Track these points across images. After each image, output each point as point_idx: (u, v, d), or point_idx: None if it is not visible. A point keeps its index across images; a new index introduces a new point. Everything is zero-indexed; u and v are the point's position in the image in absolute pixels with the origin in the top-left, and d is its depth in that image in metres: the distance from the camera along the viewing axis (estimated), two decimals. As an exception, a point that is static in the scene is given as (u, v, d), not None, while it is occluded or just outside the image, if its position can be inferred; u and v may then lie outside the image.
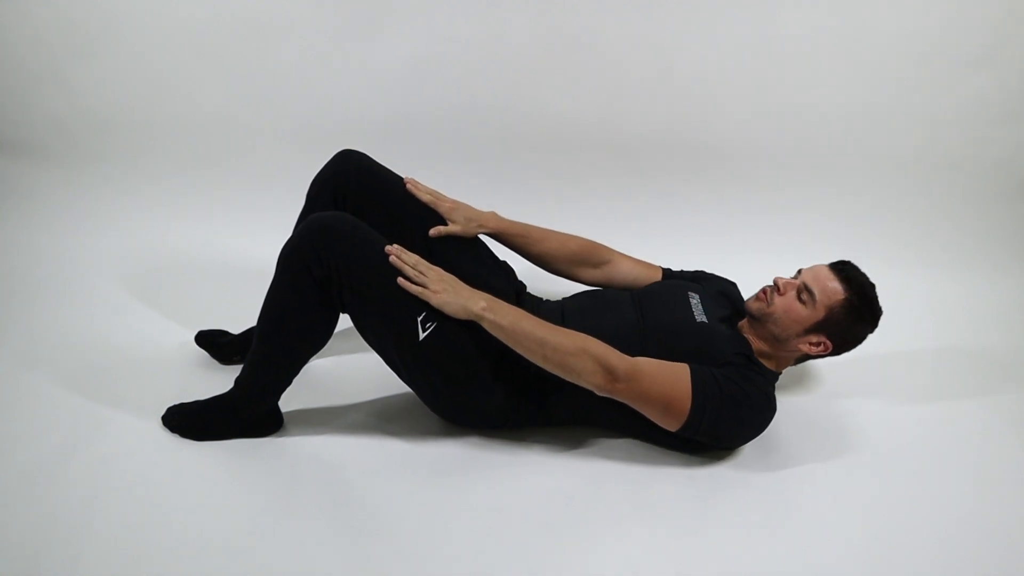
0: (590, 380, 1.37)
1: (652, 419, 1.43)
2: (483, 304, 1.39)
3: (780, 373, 1.58)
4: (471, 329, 1.42)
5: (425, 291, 1.38)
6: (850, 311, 1.49)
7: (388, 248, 1.40)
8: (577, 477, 1.48)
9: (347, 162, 1.60)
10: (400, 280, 1.37)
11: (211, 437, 1.49)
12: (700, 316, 1.54)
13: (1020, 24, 2.12)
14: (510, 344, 1.39)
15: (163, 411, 1.53)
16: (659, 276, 1.77)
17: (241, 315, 1.74)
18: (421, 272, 1.40)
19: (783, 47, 2.18)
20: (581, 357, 1.36)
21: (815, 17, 2.14)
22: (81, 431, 1.49)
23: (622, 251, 1.81)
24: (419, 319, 1.38)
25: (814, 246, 2.07)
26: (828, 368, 1.89)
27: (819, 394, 1.81)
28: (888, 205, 2.37)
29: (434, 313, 1.39)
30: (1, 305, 1.93)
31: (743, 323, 1.60)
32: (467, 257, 1.63)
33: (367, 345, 1.48)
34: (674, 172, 2.35)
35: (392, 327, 1.39)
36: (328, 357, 1.78)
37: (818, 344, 1.51)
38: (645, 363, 1.41)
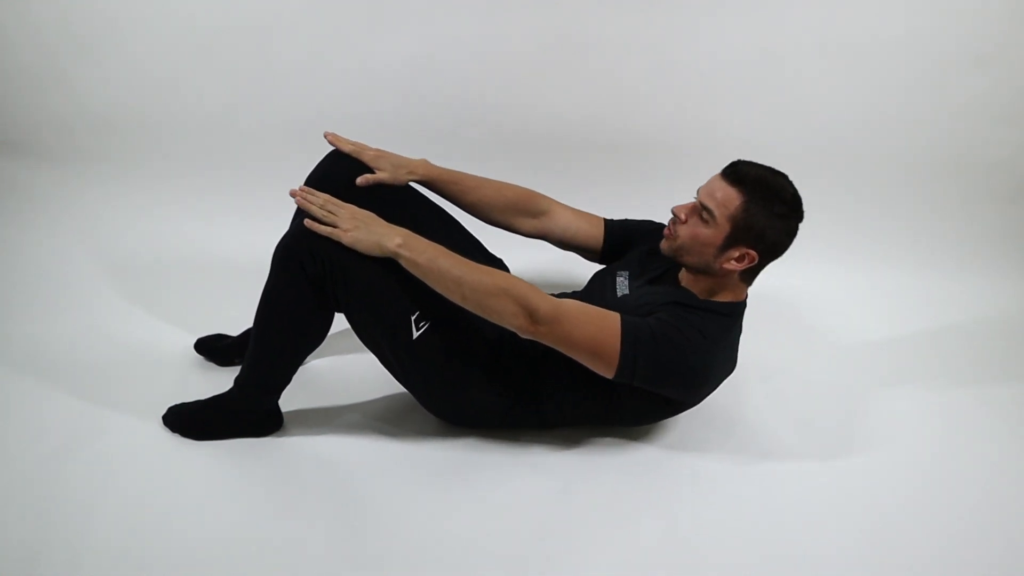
0: (511, 322, 1.31)
1: (585, 364, 1.36)
2: (399, 240, 1.32)
3: (743, 300, 1.49)
4: (465, 328, 1.41)
5: (335, 230, 1.31)
6: (755, 211, 1.35)
7: (292, 190, 1.35)
8: (575, 477, 1.48)
9: (338, 162, 1.59)
10: (306, 221, 1.32)
11: (211, 437, 1.49)
12: (622, 290, 1.50)
13: (1020, 24, 2.12)
14: (428, 283, 1.33)
15: (163, 411, 1.53)
16: (600, 227, 1.70)
17: (240, 315, 1.73)
18: (330, 211, 1.34)
19: (783, 47, 2.18)
20: (501, 298, 1.30)
21: (815, 18, 2.14)
22: (81, 431, 1.50)
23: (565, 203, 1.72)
24: (412, 318, 1.38)
25: (814, 246, 2.07)
26: (829, 368, 1.89)
27: (819, 394, 1.81)
28: (887, 205, 2.37)
29: (428, 312, 1.39)
30: (1, 305, 1.93)
31: (681, 273, 1.51)
32: (455, 250, 1.59)
33: (365, 346, 1.48)
34: (674, 172, 2.34)
35: (385, 326, 1.39)
36: (327, 357, 1.79)
37: (741, 257, 1.39)
38: (570, 305, 1.35)
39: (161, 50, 2.23)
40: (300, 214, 1.61)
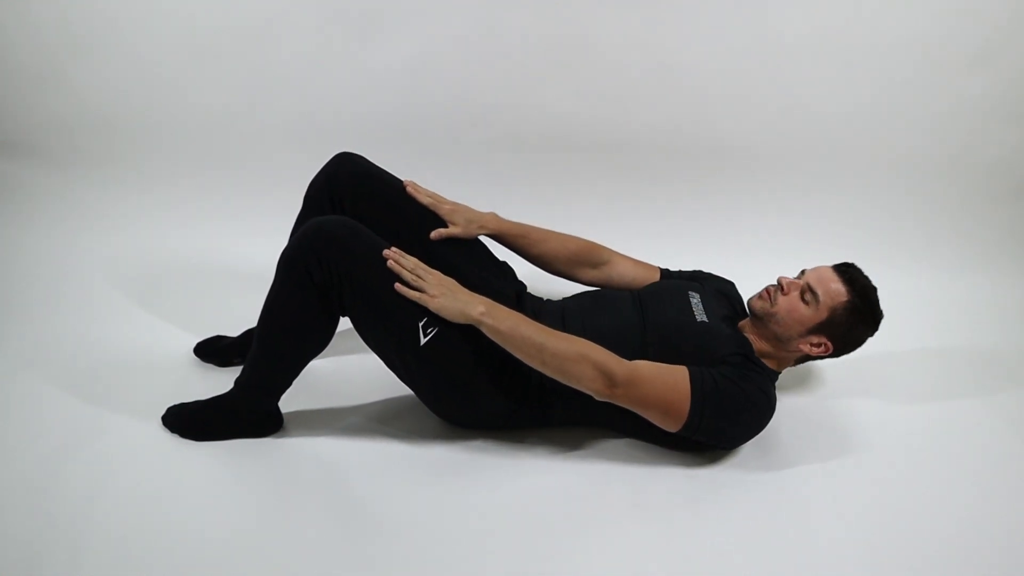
0: (589, 386, 1.37)
1: (652, 421, 1.43)
2: (482, 309, 1.38)
3: (780, 372, 1.58)
4: (472, 334, 1.42)
5: (423, 296, 1.37)
6: (852, 313, 1.49)
7: (386, 252, 1.40)
8: (577, 477, 1.48)
9: (344, 165, 1.60)
10: (397, 285, 1.36)
11: (211, 437, 1.49)
12: (701, 315, 1.54)
13: (1020, 24, 2.12)
14: (509, 349, 1.38)
15: (163, 411, 1.53)
16: (657, 276, 1.77)
17: (240, 316, 1.74)
18: (419, 276, 1.39)
19: (783, 47, 2.18)
20: (580, 363, 1.36)
21: (815, 18, 2.14)
22: (81, 432, 1.49)
23: (622, 251, 1.81)
24: (420, 324, 1.38)
25: (814, 246, 2.08)
26: (828, 368, 1.89)
27: (819, 394, 1.81)
28: (888, 205, 2.37)
29: (435, 318, 1.39)
30: (1, 306, 1.93)
31: (744, 323, 1.60)
32: (466, 258, 1.63)
33: (371, 351, 1.48)
34: (674, 172, 2.35)
35: (393, 332, 1.39)
36: (329, 358, 1.78)
37: (819, 345, 1.51)
38: (644, 367, 1.41)
39: (161, 51, 2.23)
40: (303, 219, 1.61)
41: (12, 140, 2.37)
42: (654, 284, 1.71)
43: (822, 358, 1.55)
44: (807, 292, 1.50)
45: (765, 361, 1.53)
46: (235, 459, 1.46)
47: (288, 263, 1.36)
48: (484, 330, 1.38)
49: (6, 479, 1.37)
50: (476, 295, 1.42)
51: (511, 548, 1.31)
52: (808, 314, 1.49)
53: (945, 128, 2.27)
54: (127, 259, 2.18)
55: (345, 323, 1.47)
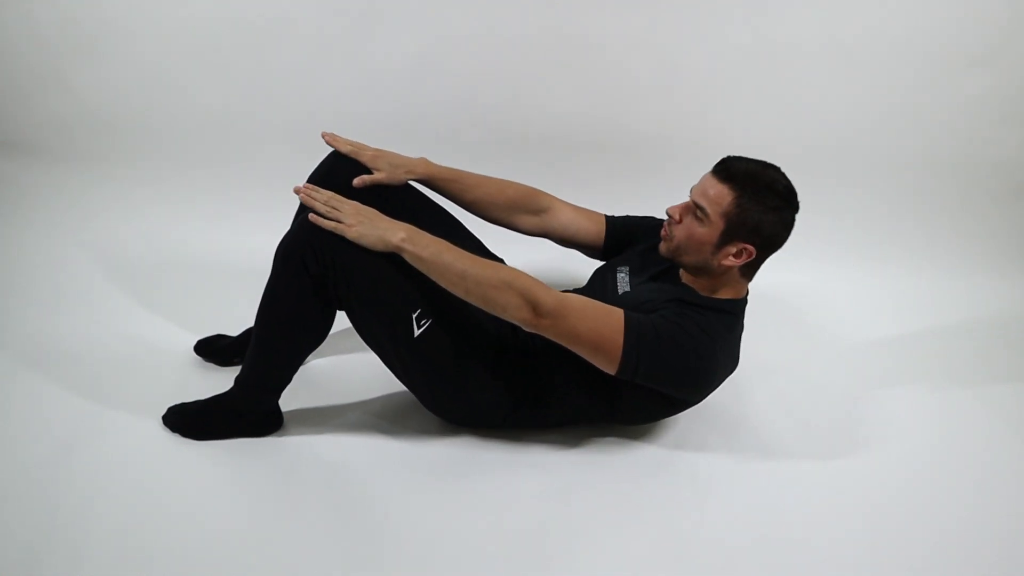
0: (515, 315, 1.31)
1: (587, 359, 1.37)
2: (402, 235, 1.32)
3: (743, 296, 1.49)
4: (467, 327, 1.41)
5: (340, 225, 1.31)
6: (748, 208, 1.36)
7: (296, 187, 1.35)
8: (575, 477, 1.48)
9: (341, 160, 1.59)
10: (310, 216, 1.32)
11: (211, 437, 1.49)
12: (624, 287, 1.51)
13: (1020, 24, 2.12)
14: (433, 277, 1.33)
15: (163, 411, 1.53)
16: (601, 224, 1.70)
17: (240, 315, 1.73)
18: (334, 207, 1.34)
19: (783, 47, 2.18)
20: (505, 291, 1.30)
21: (815, 18, 2.14)
22: (81, 431, 1.49)
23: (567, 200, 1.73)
24: (414, 316, 1.38)
25: (814, 246, 2.07)
26: (828, 368, 1.89)
27: (818, 393, 1.81)
28: (888, 205, 2.37)
29: (430, 310, 1.38)
30: (1, 305, 1.93)
31: (682, 269, 1.51)
32: (443, 235, 1.53)
33: (366, 344, 1.48)
34: (674, 172, 2.33)
35: (387, 324, 1.39)
36: (328, 356, 1.79)
37: (739, 253, 1.39)
38: (574, 299, 1.35)
39: (161, 50, 2.23)
40: (302, 213, 1.61)
41: (12, 140, 2.37)
42: (593, 275, 1.66)
43: (758, 262, 1.43)
44: (696, 210, 1.40)
45: (719, 294, 1.45)
46: (235, 459, 1.46)
47: (284, 254, 1.35)
48: (406, 257, 1.32)
49: (6, 478, 1.37)
50: (397, 221, 1.35)
51: (511, 548, 1.31)
52: (706, 231, 1.39)
53: (945, 128, 2.27)
54: (127, 258, 2.18)
55: (345, 322, 1.47)
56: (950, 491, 1.51)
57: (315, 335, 1.44)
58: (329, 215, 1.33)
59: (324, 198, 1.36)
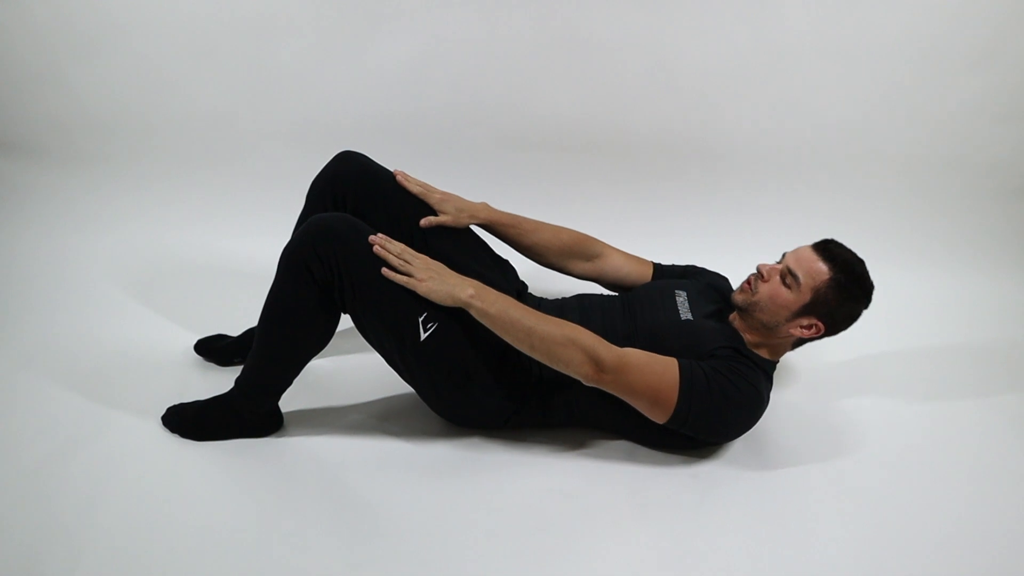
0: (578, 370, 1.36)
1: (640, 410, 1.42)
2: (471, 291, 1.37)
3: (777, 361, 1.56)
4: (472, 330, 1.42)
5: (411, 280, 1.36)
6: (837, 290, 1.43)
7: (372, 238, 1.38)
8: (577, 477, 1.48)
9: (347, 163, 1.60)
10: (384, 270, 1.35)
11: (211, 437, 1.49)
12: (685, 314, 1.53)
13: (1020, 24, 2.13)
14: (498, 332, 1.37)
15: (163, 411, 1.53)
16: (650, 270, 1.77)
17: (241, 316, 1.74)
18: (406, 261, 1.38)
19: (782, 47, 2.18)
20: (569, 347, 1.35)
21: (814, 17, 2.14)
22: (81, 431, 1.49)
23: (617, 247, 1.80)
24: (420, 320, 1.38)
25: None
26: (827, 367, 1.89)
27: (818, 393, 1.81)
28: (888, 205, 2.37)
29: (436, 313, 1.39)
30: (1, 305, 1.93)
31: (733, 316, 1.57)
32: (466, 255, 1.62)
33: (368, 345, 1.48)
34: (673, 172, 2.35)
35: (393, 328, 1.39)
36: (329, 357, 1.78)
37: (809, 327, 1.46)
38: (633, 354, 1.40)
39: (161, 51, 2.24)
40: (305, 217, 1.61)
41: (11, 140, 2.37)
42: (643, 286, 1.70)
43: (817, 339, 1.50)
44: (788, 276, 1.46)
45: (759, 351, 1.51)
46: (235, 459, 1.46)
47: (289, 259, 1.36)
48: (473, 312, 1.37)
49: (7, 478, 1.37)
50: (465, 278, 1.40)
51: (511, 548, 1.31)
52: (791, 298, 1.45)
53: (945, 128, 2.27)
54: (128, 258, 2.18)
55: (346, 322, 1.47)
56: (950, 491, 1.50)
57: (319, 340, 1.44)
58: (401, 268, 1.37)
59: (397, 251, 1.39)
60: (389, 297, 1.37)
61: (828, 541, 1.37)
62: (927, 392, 1.84)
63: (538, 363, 1.49)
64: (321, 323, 1.41)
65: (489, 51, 2.22)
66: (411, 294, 1.37)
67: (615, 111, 2.28)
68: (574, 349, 1.35)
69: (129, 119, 2.32)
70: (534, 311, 1.39)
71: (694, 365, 1.41)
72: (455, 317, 1.41)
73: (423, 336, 1.39)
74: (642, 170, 2.35)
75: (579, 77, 2.24)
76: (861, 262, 1.48)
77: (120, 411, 1.55)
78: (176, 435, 1.50)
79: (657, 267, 1.78)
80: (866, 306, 1.48)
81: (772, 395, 1.77)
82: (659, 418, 1.41)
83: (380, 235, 1.40)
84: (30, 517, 1.29)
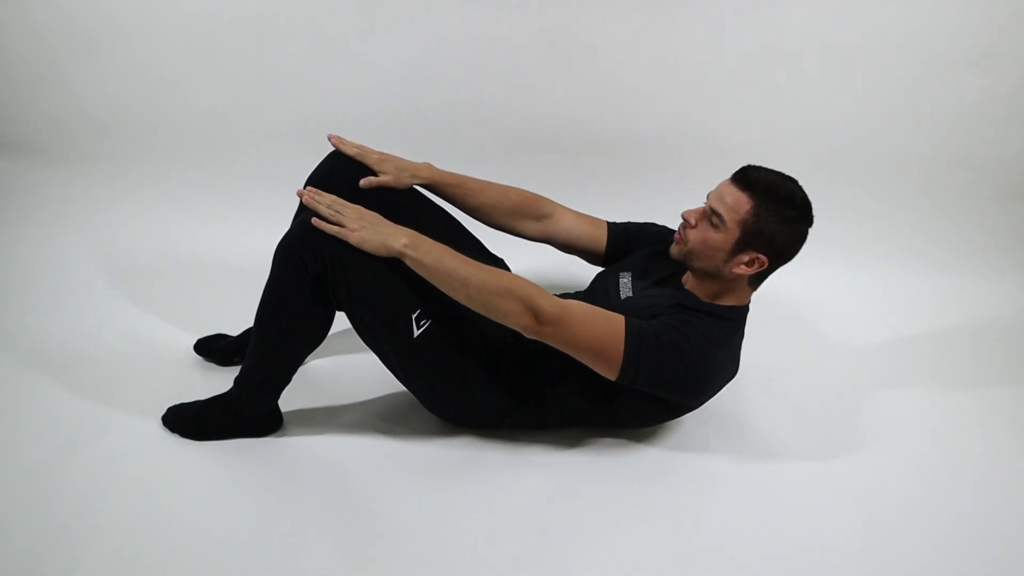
0: (516, 321, 1.32)
1: (588, 364, 1.37)
2: (405, 240, 1.32)
3: (746, 304, 1.49)
4: (466, 327, 1.41)
5: (342, 229, 1.31)
6: (766, 217, 1.35)
7: (299, 190, 1.36)
8: (575, 477, 1.48)
9: (340, 162, 1.59)
10: (314, 220, 1.32)
11: (211, 437, 1.49)
12: (626, 292, 1.51)
13: (1021, 24, 2.12)
14: (434, 283, 1.34)
15: (163, 411, 1.53)
16: (603, 230, 1.70)
17: (240, 315, 1.73)
18: (337, 211, 1.35)
19: (783, 47, 2.18)
20: (506, 298, 1.31)
21: (815, 17, 2.14)
22: (81, 431, 1.49)
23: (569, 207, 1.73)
24: (413, 316, 1.38)
25: (813, 246, 2.06)
26: (828, 368, 1.89)
27: (818, 393, 1.81)
28: (888, 205, 2.37)
29: (429, 310, 1.39)
30: (1, 305, 1.93)
31: (686, 276, 1.52)
32: (458, 249, 1.60)
33: (366, 345, 1.48)
34: (674, 172, 2.35)
35: (386, 324, 1.39)
36: (327, 357, 1.79)
37: (751, 262, 1.39)
38: (575, 306, 1.35)
39: (160, 51, 2.23)
40: (301, 213, 1.61)
41: (11, 140, 2.37)
42: (595, 277, 1.66)
43: (768, 273, 1.43)
44: (712, 216, 1.39)
45: (722, 300, 1.45)
46: (234, 459, 1.46)
47: (283, 254, 1.35)
48: (408, 263, 1.33)
49: (7, 479, 1.37)
50: (401, 227, 1.35)
51: (511, 547, 1.31)
52: (720, 237, 1.38)
53: (945, 128, 2.27)
54: (127, 258, 2.18)
55: (344, 322, 1.47)
56: (950, 491, 1.51)
57: (314, 335, 1.44)
58: (332, 219, 1.33)
59: (327, 201, 1.36)
60: (382, 294, 1.36)
61: (828, 540, 1.37)
62: (927, 392, 1.84)
63: (535, 361, 1.49)
64: (316, 318, 1.41)
65: (489, 51, 2.21)
66: (404, 290, 1.36)
67: (615, 111, 2.28)
68: (512, 299, 1.31)
69: (129, 119, 2.32)
70: (472, 261, 1.35)
71: (641, 321, 1.37)
72: (449, 314, 1.40)
73: (416, 333, 1.38)
74: (642, 170, 2.34)
75: (579, 77, 2.24)
76: (787, 180, 1.39)
77: (120, 411, 1.56)
78: (176, 435, 1.50)
79: (611, 226, 1.70)
80: (806, 223, 1.39)
81: (772, 391, 1.79)
82: (608, 372, 1.36)
83: (309, 187, 1.36)
84: (30, 517, 1.29)
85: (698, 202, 1.47)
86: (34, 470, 1.39)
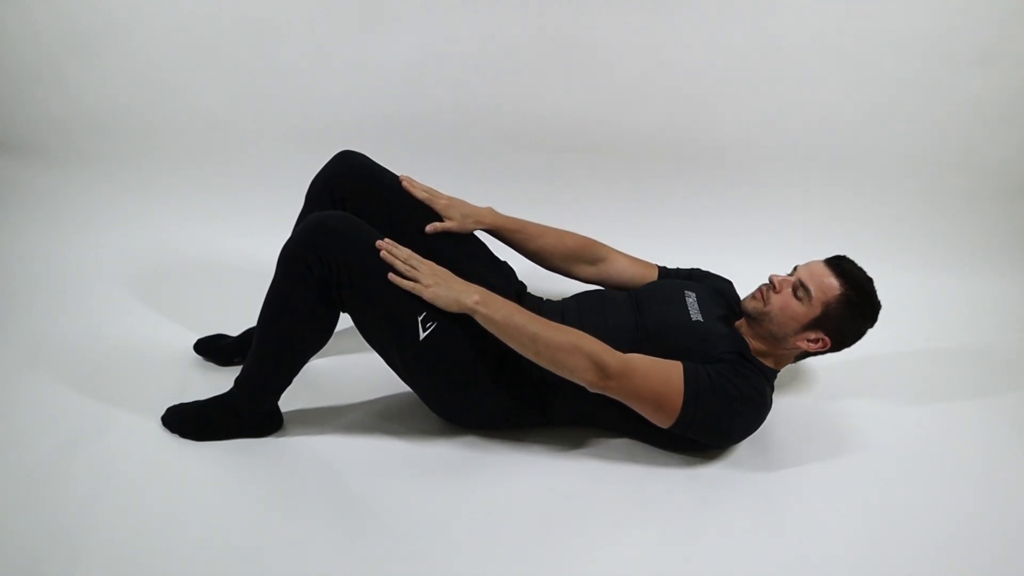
0: (582, 377, 1.37)
1: (644, 415, 1.42)
2: (476, 297, 1.38)
3: (779, 370, 1.57)
4: (472, 329, 1.42)
5: (417, 285, 1.37)
6: (847, 306, 1.47)
7: (379, 243, 1.39)
8: (577, 477, 1.48)
9: (346, 162, 1.60)
10: (391, 275, 1.36)
11: (211, 437, 1.49)
12: (696, 315, 1.54)
13: (1020, 24, 2.12)
14: (503, 339, 1.38)
15: (163, 411, 1.53)
16: (655, 274, 1.77)
17: (241, 315, 1.73)
18: (413, 266, 1.39)
19: (782, 47, 2.18)
20: (573, 354, 1.36)
21: (814, 17, 2.14)
22: (81, 431, 1.49)
23: (623, 251, 1.81)
24: (420, 319, 1.38)
25: (813, 246, 2.06)
26: (827, 368, 1.88)
27: (818, 394, 1.81)
28: (888, 205, 2.37)
29: (435, 313, 1.39)
30: (1, 305, 1.93)
31: (740, 322, 1.59)
32: (465, 256, 1.63)
33: (367, 345, 1.48)
34: (673, 173, 2.35)
35: (392, 327, 1.39)
36: (328, 357, 1.78)
37: (816, 341, 1.49)
38: (637, 360, 1.40)
39: (160, 51, 2.24)
40: (304, 215, 1.61)
41: (11, 140, 2.37)
42: (651, 284, 1.71)
43: (821, 353, 1.53)
44: (799, 288, 1.48)
45: (763, 360, 1.53)
46: (235, 459, 1.46)
47: (288, 257, 1.36)
48: (478, 319, 1.38)
49: (6, 479, 1.37)
50: (471, 284, 1.41)
51: (511, 547, 1.31)
52: (802, 311, 1.48)
53: (945, 128, 2.27)
54: (127, 258, 2.18)
55: (346, 322, 1.47)
56: (949, 491, 1.50)
57: (318, 338, 1.44)
58: (407, 274, 1.37)
59: (404, 256, 1.40)
60: (388, 296, 1.37)
61: (828, 542, 1.37)
62: (927, 393, 1.84)
63: (539, 365, 1.49)
64: (320, 321, 1.41)
65: (489, 51, 2.21)
66: (410, 293, 1.37)
67: (615, 111, 2.28)
68: (579, 356, 1.36)
69: (129, 119, 2.32)
70: (538, 317, 1.40)
71: (699, 368, 1.41)
72: (455, 317, 1.41)
73: (422, 335, 1.39)
74: (642, 170, 2.34)
75: (579, 77, 2.24)
76: (870, 280, 1.51)
77: (120, 411, 1.55)
78: (176, 435, 1.50)
79: (662, 270, 1.78)
80: (872, 325, 1.51)
81: (773, 396, 1.78)
82: (664, 423, 1.41)
83: (386, 240, 1.40)
84: (30, 517, 1.29)
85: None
86: (34, 470, 1.39)
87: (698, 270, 1.79)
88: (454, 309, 1.38)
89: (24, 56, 2.25)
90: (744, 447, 1.57)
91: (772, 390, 1.53)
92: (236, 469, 1.44)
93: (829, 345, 1.50)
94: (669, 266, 1.80)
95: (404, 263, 1.38)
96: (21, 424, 1.51)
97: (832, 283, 1.47)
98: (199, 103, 2.30)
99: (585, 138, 2.32)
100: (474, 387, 1.46)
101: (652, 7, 2.13)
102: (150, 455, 1.45)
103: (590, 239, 1.78)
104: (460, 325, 1.41)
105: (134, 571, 1.21)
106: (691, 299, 1.59)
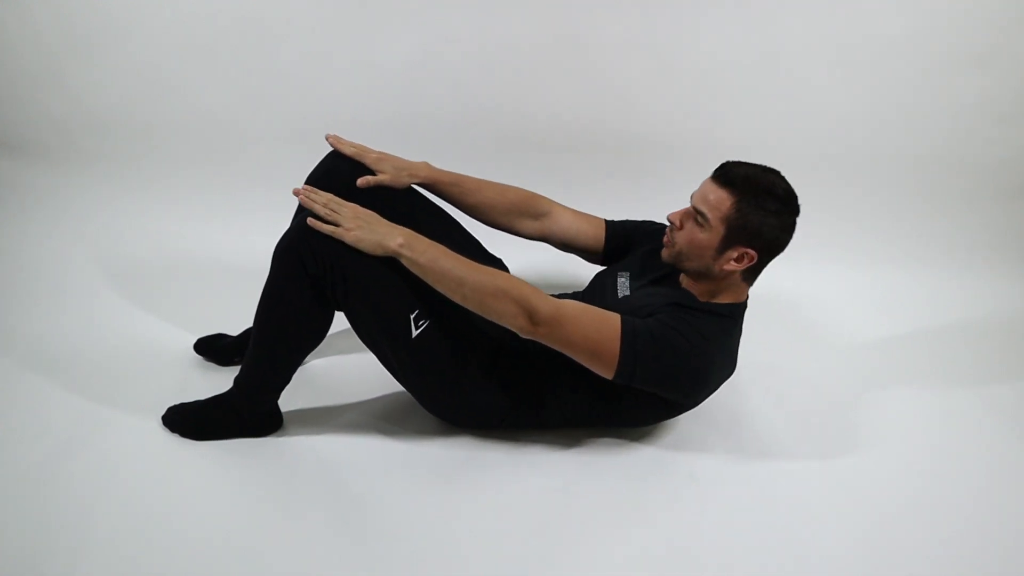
0: (511, 322, 1.32)
1: (585, 366, 1.37)
2: (400, 240, 1.32)
3: (744, 300, 1.49)
4: (465, 327, 1.41)
5: (338, 229, 1.31)
6: (749, 211, 1.36)
7: (295, 189, 1.36)
8: (575, 476, 1.48)
9: (339, 161, 1.59)
10: (309, 220, 1.32)
11: (211, 437, 1.49)
12: (624, 291, 1.51)
13: (1020, 24, 2.12)
14: (430, 283, 1.34)
15: (163, 411, 1.53)
16: (602, 228, 1.71)
17: (240, 315, 1.73)
18: (333, 210, 1.34)
19: (783, 47, 2.18)
20: (502, 298, 1.31)
21: (815, 17, 2.14)
22: (81, 431, 1.49)
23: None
24: (412, 316, 1.38)
25: (813, 246, 2.07)
26: (827, 368, 1.89)
27: (818, 394, 1.81)
28: (888, 205, 2.37)
29: (427, 311, 1.39)
30: (1, 305, 1.93)
31: (681, 276, 1.52)
32: (457, 250, 1.60)
33: (364, 345, 1.48)
34: (674, 173, 2.34)
35: (385, 324, 1.39)
36: (327, 356, 1.79)
37: (740, 258, 1.39)
38: (570, 306, 1.35)
39: (160, 50, 2.23)
40: (300, 213, 1.61)
41: (11, 140, 2.37)
42: (594, 278, 1.66)
43: (760, 267, 1.43)
44: (696, 215, 1.40)
45: (718, 299, 1.45)
46: (234, 459, 1.46)
47: (282, 254, 1.35)
48: (404, 262, 1.33)
49: (6, 479, 1.37)
50: (396, 226, 1.35)
51: (511, 547, 1.31)
52: (706, 236, 1.39)
53: (945, 128, 2.27)
54: (127, 258, 2.18)
55: (344, 323, 1.47)
56: (949, 491, 1.51)
57: (313, 335, 1.44)
58: (328, 218, 1.33)
59: (323, 200, 1.36)
60: (381, 294, 1.36)
61: (826, 538, 1.37)
62: (926, 392, 1.84)
63: (534, 362, 1.49)
64: (315, 318, 1.41)
65: (490, 51, 2.21)
66: (403, 291, 1.36)
67: (615, 111, 2.28)
68: (507, 300, 1.31)
69: (129, 119, 2.32)
70: (467, 260, 1.34)
71: (637, 320, 1.37)
72: (447, 314, 1.40)
73: (415, 333, 1.38)
74: (642, 170, 2.34)
75: (579, 77, 2.24)
76: (768, 172, 1.40)
77: (120, 411, 1.56)
78: (176, 435, 1.50)
79: (609, 224, 1.71)
80: (791, 213, 1.39)
81: (771, 390, 1.79)
82: (605, 371, 1.36)
83: (304, 186, 1.36)
84: (30, 517, 1.29)
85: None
86: (34, 470, 1.39)
87: (650, 222, 1.71)
88: (378, 252, 1.32)
89: (24, 56, 2.25)
90: (743, 445, 1.57)
91: (738, 324, 1.47)
92: (236, 469, 1.44)
93: (757, 256, 1.38)
94: (616, 219, 1.73)
95: (324, 206, 1.34)
96: (21, 424, 1.51)
97: (722, 195, 1.37)
98: (199, 103, 2.29)
99: (585, 138, 2.31)
100: (467, 385, 1.46)
101: (652, 7, 2.13)
102: (150, 455, 1.45)
103: (532, 193, 1.70)
104: (453, 324, 1.41)
105: (134, 571, 1.21)
106: (623, 279, 1.55)
